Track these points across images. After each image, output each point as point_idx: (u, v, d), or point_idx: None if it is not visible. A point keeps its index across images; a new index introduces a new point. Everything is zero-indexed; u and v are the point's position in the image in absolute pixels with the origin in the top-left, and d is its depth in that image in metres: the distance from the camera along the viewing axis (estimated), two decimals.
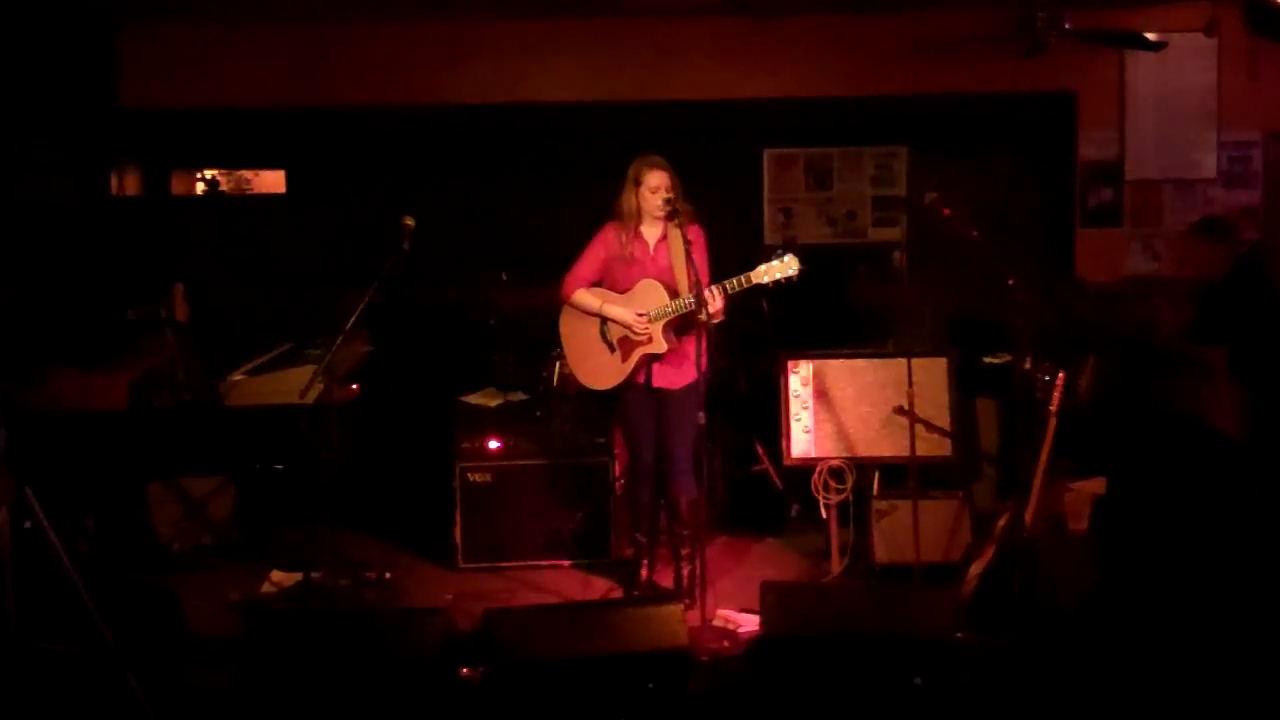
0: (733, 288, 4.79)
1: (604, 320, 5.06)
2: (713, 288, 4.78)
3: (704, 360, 4.70)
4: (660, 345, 4.95)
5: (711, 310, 4.71)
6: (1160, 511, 5.41)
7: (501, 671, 3.84)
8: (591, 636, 3.93)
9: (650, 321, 4.93)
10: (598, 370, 5.10)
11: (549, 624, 4.03)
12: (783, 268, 4.75)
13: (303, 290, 7.31)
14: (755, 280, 4.77)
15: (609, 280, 5.09)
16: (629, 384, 5.06)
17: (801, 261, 4.75)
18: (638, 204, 4.99)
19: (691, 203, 5.01)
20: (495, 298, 6.68)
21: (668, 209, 4.88)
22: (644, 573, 5.32)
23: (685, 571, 5.18)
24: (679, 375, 5.01)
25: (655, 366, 5.04)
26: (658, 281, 4.97)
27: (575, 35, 7.20)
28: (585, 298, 5.08)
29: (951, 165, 7.77)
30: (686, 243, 4.77)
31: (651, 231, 5.06)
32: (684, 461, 5.04)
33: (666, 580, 5.35)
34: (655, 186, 4.93)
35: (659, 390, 5.06)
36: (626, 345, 5.02)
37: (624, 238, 5.05)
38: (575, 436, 5.88)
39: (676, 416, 5.01)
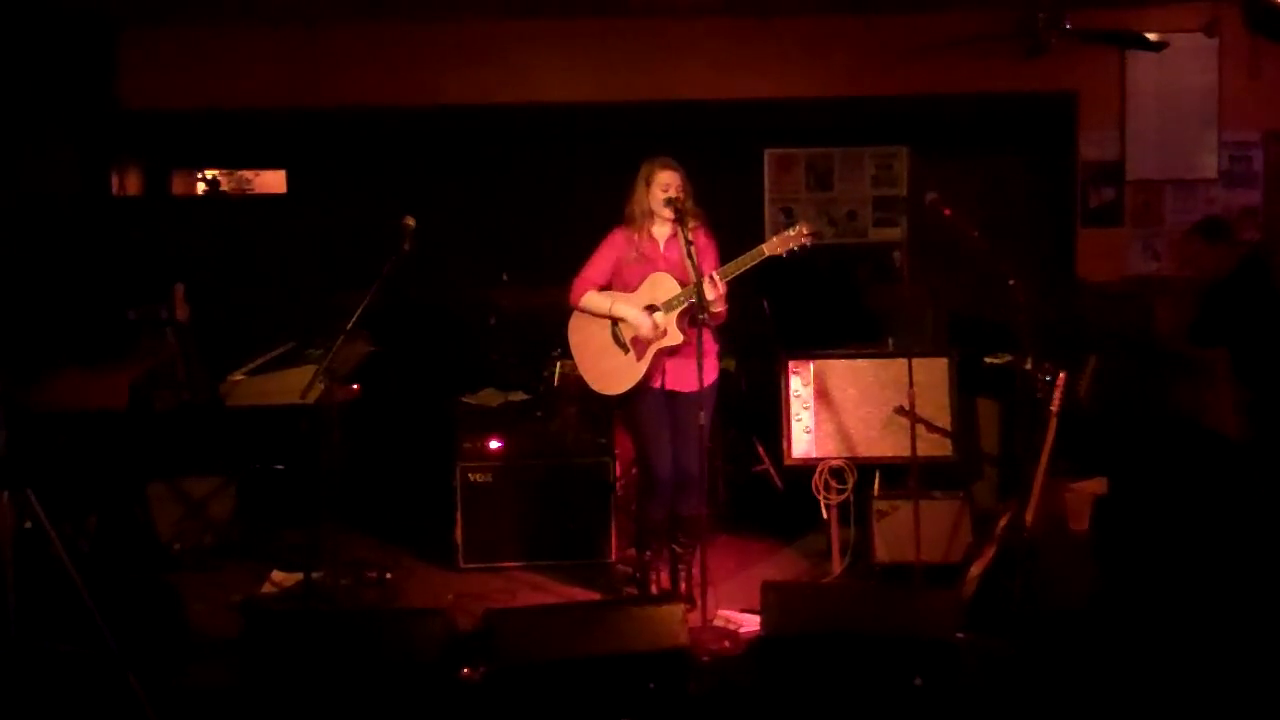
0: (736, 268, 4.74)
1: (615, 321, 5.00)
2: (713, 274, 4.74)
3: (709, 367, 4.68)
4: (676, 336, 4.89)
5: (712, 298, 4.69)
6: (1160, 512, 5.42)
7: (502, 672, 3.83)
8: (592, 636, 3.93)
9: (664, 311, 4.88)
10: (613, 373, 5.02)
11: (549, 624, 4.02)
12: (795, 236, 4.71)
13: (303, 290, 7.32)
14: (769, 252, 4.73)
15: (619, 282, 5.04)
16: (643, 390, 4.97)
17: (808, 248, 4.72)
18: (648, 204, 4.97)
19: (702, 209, 4.99)
20: (495, 298, 6.68)
21: (672, 209, 4.86)
22: (653, 589, 5.26)
23: (683, 578, 5.16)
24: (691, 378, 4.83)
25: (669, 366, 4.97)
26: (668, 274, 4.93)
27: (575, 35, 7.20)
28: (595, 299, 5.03)
29: (952, 165, 7.77)
30: (689, 243, 4.75)
31: (662, 230, 5.03)
32: (696, 475, 4.90)
33: (666, 584, 5.32)
34: (665, 185, 4.90)
35: (672, 394, 4.99)
36: (640, 344, 4.95)
37: (635, 238, 5.01)
38: (575, 436, 5.88)
39: (689, 423, 4.89)
